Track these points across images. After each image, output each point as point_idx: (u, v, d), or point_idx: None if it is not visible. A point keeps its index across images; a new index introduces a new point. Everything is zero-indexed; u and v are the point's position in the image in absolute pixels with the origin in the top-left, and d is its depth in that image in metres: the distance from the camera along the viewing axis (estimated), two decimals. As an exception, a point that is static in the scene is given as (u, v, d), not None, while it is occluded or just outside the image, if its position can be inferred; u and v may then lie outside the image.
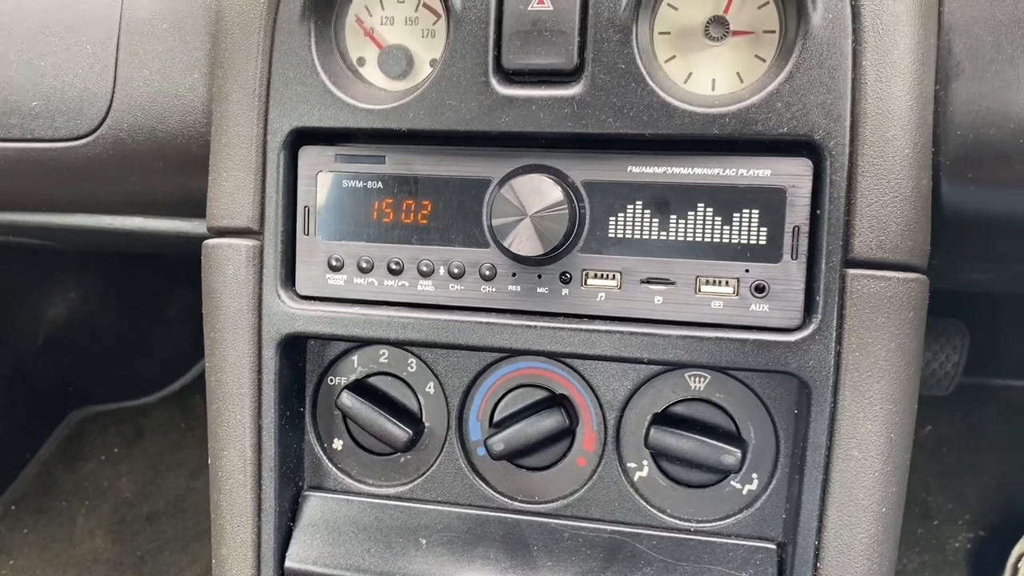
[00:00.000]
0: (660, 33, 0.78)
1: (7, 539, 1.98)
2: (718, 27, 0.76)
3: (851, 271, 0.72)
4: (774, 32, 0.76)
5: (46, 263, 2.00)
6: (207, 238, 0.87)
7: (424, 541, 0.84)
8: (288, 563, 0.85)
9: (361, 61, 0.85)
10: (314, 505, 0.88)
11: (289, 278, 0.84)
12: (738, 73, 0.77)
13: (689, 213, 0.76)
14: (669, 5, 0.78)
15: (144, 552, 1.95)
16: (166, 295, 2.18)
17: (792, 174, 0.73)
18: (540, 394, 0.85)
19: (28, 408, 2.09)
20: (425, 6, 0.83)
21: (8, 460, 2.07)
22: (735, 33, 0.77)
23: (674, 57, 0.79)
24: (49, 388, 2.13)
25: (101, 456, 2.15)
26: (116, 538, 1.98)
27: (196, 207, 0.90)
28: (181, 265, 1.99)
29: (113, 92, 0.93)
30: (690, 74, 0.78)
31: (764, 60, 0.77)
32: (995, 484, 1.84)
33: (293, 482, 0.88)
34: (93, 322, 2.16)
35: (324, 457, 0.90)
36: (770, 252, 0.74)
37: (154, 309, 2.20)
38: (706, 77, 0.78)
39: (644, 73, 0.74)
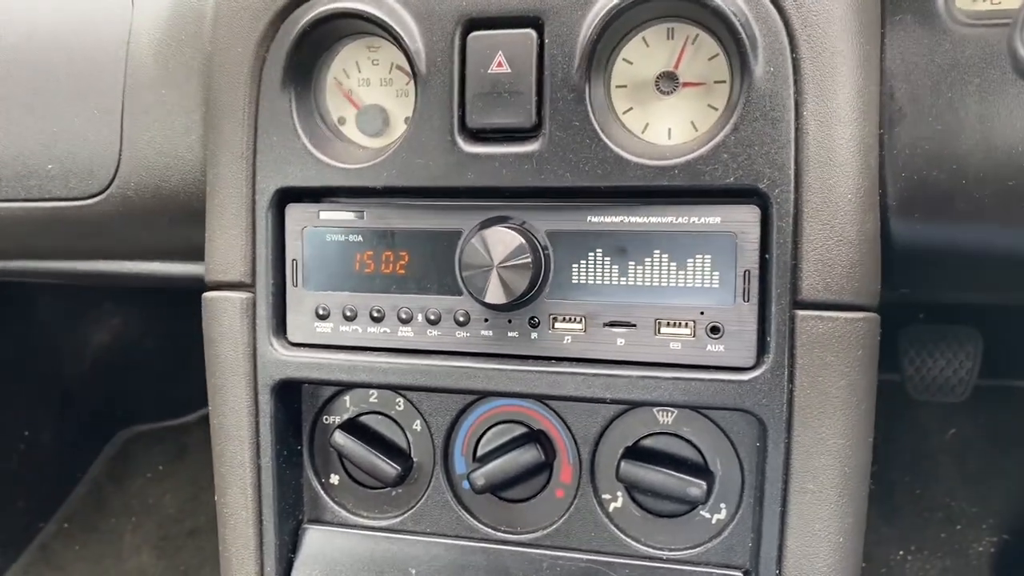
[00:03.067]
0: (617, 86, 0.82)
1: (61, 555, 2.09)
2: (668, 82, 0.80)
3: (800, 312, 0.75)
4: (725, 82, 0.80)
5: (89, 294, 2.10)
6: (206, 287, 0.93)
7: (414, 571, 0.90)
8: (290, 592, 0.91)
9: (341, 120, 0.90)
10: (312, 538, 0.93)
11: (280, 327, 0.90)
12: (692, 122, 0.81)
13: (646, 259, 0.80)
14: (624, 60, 0.82)
15: (187, 567, 2.04)
16: (201, 318, 2.27)
17: (741, 220, 0.77)
18: (519, 430, 0.90)
19: (78, 429, 2.20)
20: (398, 68, 0.88)
21: (61, 479, 2.18)
22: (686, 85, 0.80)
23: (632, 108, 0.82)
24: (96, 409, 2.24)
25: (147, 474, 2.25)
26: (161, 554, 2.07)
27: (202, 254, 0.96)
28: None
29: (120, 154, 1.00)
30: (647, 124, 0.82)
31: (716, 109, 0.80)
32: (1019, 487, 1.83)
33: (293, 516, 0.94)
34: (135, 346, 2.26)
35: (322, 491, 0.95)
36: (723, 295, 0.78)
37: (191, 332, 2.29)
38: (662, 127, 0.82)
39: (598, 129, 0.78)
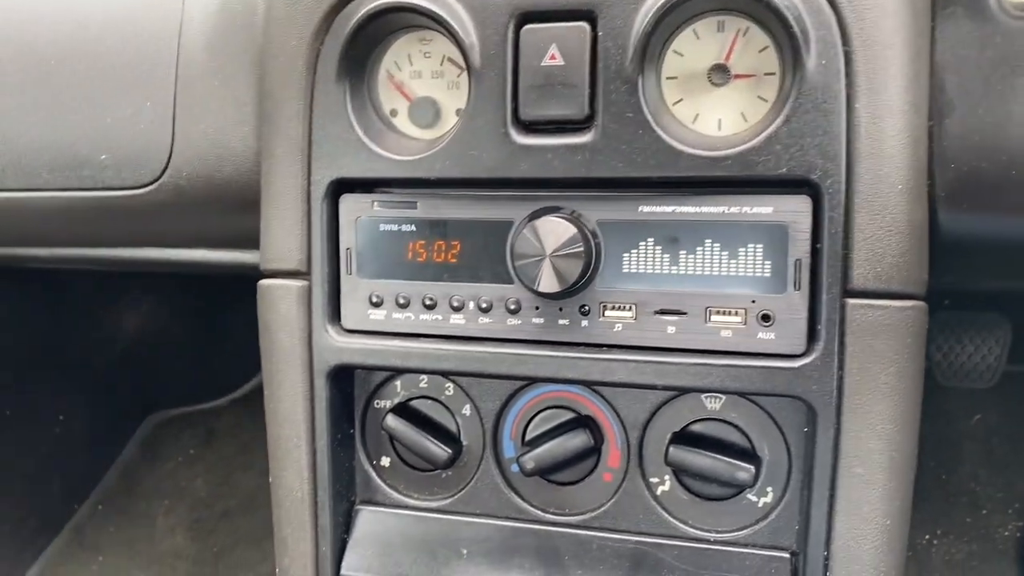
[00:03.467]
0: (668, 78, 0.84)
1: (95, 538, 2.13)
2: (720, 74, 0.81)
3: (850, 301, 0.77)
4: (775, 74, 0.81)
5: (119, 281, 2.13)
6: (262, 275, 0.95)
7: (465, 551, 0.92)
8: (344, 572, 0.94)
9: (394, 112, 0.92)
10: (366, 519, 0.96)
11: (335, 314, 0.92)
12: (742, 113, 0.82)
13: (698, 248, 0.81)
14: (675, 52, 0.83)
15: (220, 548, 2.08)
16: (229, 306, 2.30)
17: (793, 211, 0.78)
18: (567, 415, 0.92)
19: (109, 415, 2.23)
20: (449, 60, 0.90)
21: (93, 462, 2.22)
22: (737, 76, 0.82)
23: (682, 100, 0.84)
24: (128, 395, 2.28)
25: (178, 457, 2.29)
26: (194, 535, 2.11)
27: (252, 242, 0.99)
28: (244, 279, 2.10)
29: (172, 145, 1.02)
30: (697, 115, 0.84)
31: (766, 100, 0.81)
32: (1046, 473, 1.84)
33: (346, 497, 0.96)
34: (165, 333, 2.29)
35: (374, 474, 0.98)
36: (774, 284, 0.80)
37: (219, 319, 2.33)
38: (712, 118, 0.83)
39: (650, 120, 0.80)
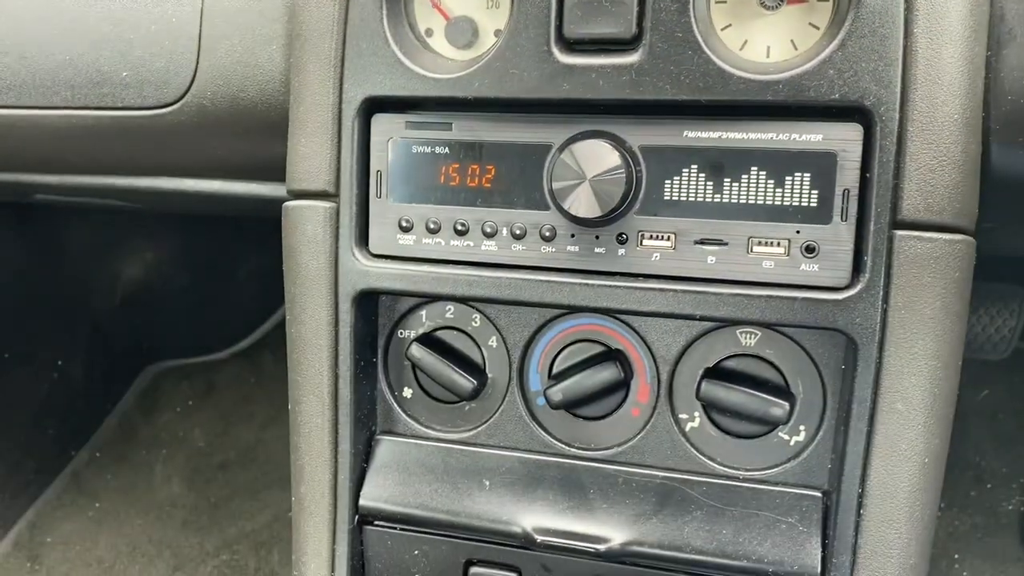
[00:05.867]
0: (717, 2, 0.81)
1: (94, 484, 2.11)
2: (773, -4, 0.79)
3: (899, 232, 0.75)
4: (828, 0, 0.79)
5: (122, 226, 2.10)
6: (283, 201, 0.93)
7: (487, 483, 0.90)
8: (363, 501, 0.92)
9: (429, 32, 0.89)
10: (386, 448, 0.94)
11: (363, 238, 0.90)
12: (792, 40, 0.80)
13: (743, 176, 0.79)
14: (726, -26, 0.81)
15: (217, 499, 2.06)
16: (235, 257, 2.28)
17: (843, 139, 0.76)
18: (597, 348, 0.90)
19: (108, 363, 2.21)
20: (490, -22, 0.87)
21: (91, 410, 2.20)
22: (790, 2, 0.80)
23: (730, 25, 0.81)
24: (126, 344, 2.25)
25: (176, 408, 2.27)
26: (191, 485, 2.09)
27: (273, 171, 0.96)
28: (250, 228, 2.08)
29: (197, 63, 0.99)
30: (745, 41, 0.81)
31: (818, 28, 0.79)
32: (1051, 449, 1.84)
33: (367, 427, 0.94)
34: (167, 282, 2.26)
35: (395, 404, 0.96)
36: (820, 214, 0.78)
37: (224, 270, 2.30)
38: (761, 45, 0.81)
39: (700, 41, 0.77)
